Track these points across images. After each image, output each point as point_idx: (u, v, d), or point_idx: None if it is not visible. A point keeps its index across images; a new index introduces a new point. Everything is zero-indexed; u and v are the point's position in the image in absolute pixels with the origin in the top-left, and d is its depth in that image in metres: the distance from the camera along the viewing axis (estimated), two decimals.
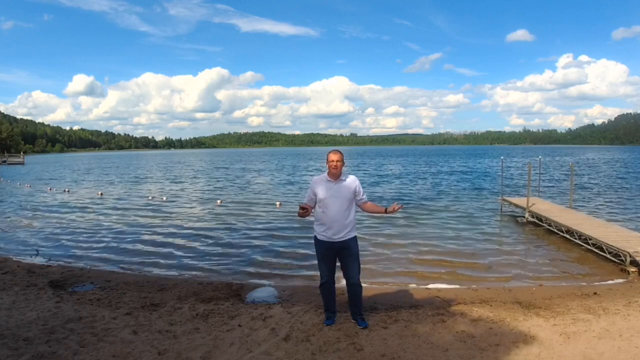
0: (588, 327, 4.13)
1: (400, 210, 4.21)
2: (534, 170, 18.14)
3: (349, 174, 4.21)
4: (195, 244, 9.22)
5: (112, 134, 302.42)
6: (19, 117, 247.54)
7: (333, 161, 4.00)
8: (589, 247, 7.99)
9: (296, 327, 4.17)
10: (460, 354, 3.57)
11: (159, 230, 10.88)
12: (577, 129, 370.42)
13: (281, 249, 8.63)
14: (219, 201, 16.27)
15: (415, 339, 3.88)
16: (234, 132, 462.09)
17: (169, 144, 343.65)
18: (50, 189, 22.08)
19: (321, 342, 3.80)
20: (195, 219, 12.66)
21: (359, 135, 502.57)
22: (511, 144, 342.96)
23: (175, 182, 27.03)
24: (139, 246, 9.08)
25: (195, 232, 10.62)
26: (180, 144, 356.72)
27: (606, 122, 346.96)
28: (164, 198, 17.58)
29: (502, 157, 19.11)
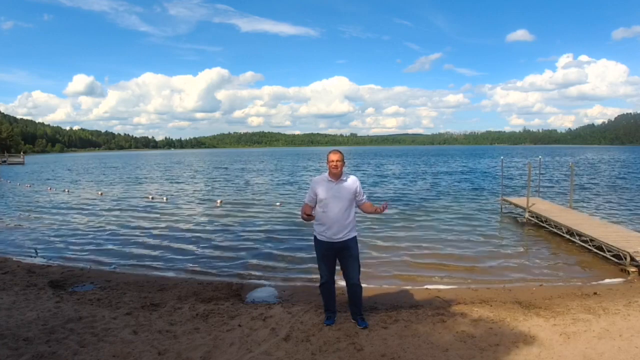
0: (588, 327, 4.13)
1: (386, 209, 4.20)
2: (534, 170, 18.14)
3: (350, 174, 4.21)
4: (196, 244, 9.22)
5: (112, 134, 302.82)
6: (19, 117, 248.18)
7: (333, 161, 4.00)
8: (589, 247, 7.99)
9: (296, 327, 4.17)
10: (460, 354, 3.57)
11: (159, 230, 10.88)
12: (577, 129, 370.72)
13: (281, 249, 8.63)
14: (219, 201, 16.27)
15: (415, 339, 3.88)
16: (234, 132, 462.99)
17: (169, 144, 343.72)
18: (50, 189, 22.08)
19: (321, 342, 3.80)
20: (195, 219, 12.66)
21: (359, 135, 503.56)
22: (511, 144, 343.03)
23: (175, 183, 27.02)
24: (139, 246, 9.08)
25: (195, 232, 10.62)
26: (180, 144, 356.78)
27: (606, 122, 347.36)
28: (164, 198, 17.58)
29: (502, 157, 19.11)
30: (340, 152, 4.07)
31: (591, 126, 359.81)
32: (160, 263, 7.75)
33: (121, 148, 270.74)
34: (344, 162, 4.09)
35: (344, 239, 4.04)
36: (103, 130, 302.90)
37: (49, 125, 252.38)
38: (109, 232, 10.68)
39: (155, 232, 10.63)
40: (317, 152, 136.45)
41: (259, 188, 22.46)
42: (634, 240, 7.49)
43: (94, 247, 9.02)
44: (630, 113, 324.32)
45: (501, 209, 13.25)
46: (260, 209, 14.32)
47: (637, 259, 6.57)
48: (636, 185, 21.26)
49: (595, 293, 5.59)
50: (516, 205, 12.45)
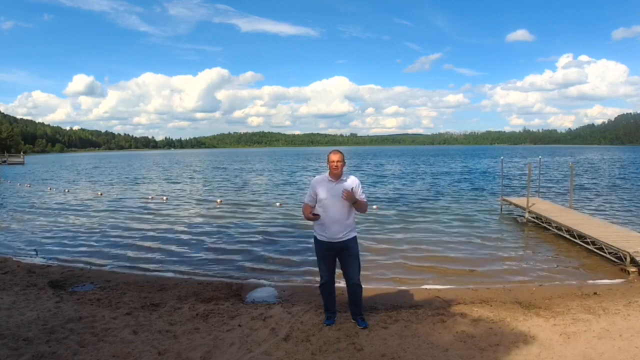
0: (588, 327, 4.13)
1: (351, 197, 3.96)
2: (534, 170, 18.14)
3: (350, 174, 4.21)
4: (195, 244, 9.22)
5: (112, 134, 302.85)
6: (19, 117, 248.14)
7: (334, 161, 4.00)
8: (589, 247, 7.99)
9: (296, 327, 4.17)
10: (460, 354, 3.57)
11: (159, 230, 10.88)
12: (577, 129, 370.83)
13: (281, 249, 8.63)
14: (218, 201, 16.27)
15: (415, 339, 3.88)
16: (234, 132, 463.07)
17: (169, 144, 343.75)
18: (50, 189, 22.08)
19: (321, 342, 3.80)
20: (195, 219, 12.66)
21: (359, 135, 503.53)
22: (511, 144, 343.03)
23: (175, 182, 27.03)
24: (139, 246, 9.08)
25: (195, 232, 10.62)
26: (180, 144, 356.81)
27: (606, 122, 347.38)
28: (164, 198, 17.58)
29: (502, 157, 19.11)
30: (340, 153, 4.07)
31: (591, 126, 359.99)
32: (160, 263, 7.75)
33: (121, 148, 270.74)
34: (344, 162, 4.09)
35: (343, 239, 4.04)
36: (103, 130, 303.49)
37: (49, 125, 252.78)
38: (109, 232, 10.68)
39: (155, 232, 10.63)
40: (317, 152, 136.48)
41: (259, 188, 22.46)
42: (634, 240, 7.49)
43: (94, 247, 9.02)
44: (630, 113, 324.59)
45: (501, 209, 13.26)
46: (259, 209, 14.32)
47: (637, 259, 6.57)
48: (636, 186, 21.26)
49: (595, 293, 5.59)
50: (516, 206, 12.45)
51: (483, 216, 12.48)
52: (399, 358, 3.51)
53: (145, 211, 14.21)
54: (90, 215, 13.54)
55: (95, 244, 9.32)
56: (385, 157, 77.32)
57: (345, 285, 4.28)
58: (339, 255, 4.13)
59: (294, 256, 8.08)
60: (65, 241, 9.66)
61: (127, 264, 7.68)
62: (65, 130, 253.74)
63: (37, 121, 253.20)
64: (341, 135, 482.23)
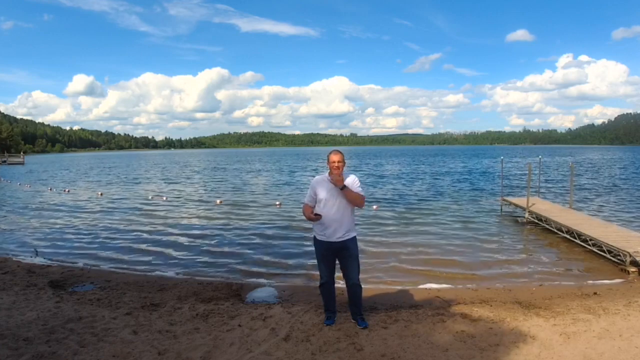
0: (588, 327, 4.13)
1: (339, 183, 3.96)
2: (534, 170, 18.14)
3: (349, 173, 4.20)
4: (195, 244, 9.22)
5: (112, 134, 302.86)
6: (19, 117, 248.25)
7: (335, 162, 3.99)
8: (589, 247, 7.99)
9: (296, 327, 4.17)
10: (460, 354, 3.57)
11: (159, 230, 10.88)
12: (577, 129, 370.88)
13: (281, 249, 8.63)
14: (218, 201, 16.27)
15: (415, 339, 3.88)
16: (234, 132, 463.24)
17: (169, 144, 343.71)
18: (50, 189, 22.07)
19: (321, 342, 3.80)
20: (195, 219, 12.66)
21: (359, 135, 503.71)
22: (511, 144, 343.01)
23: (175, 183, 27.02)
24: (139, 246, 9.07)
25: (195, 232, 10.62)
26: (180, 144, 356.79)
27: (606, 122, 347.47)
28: (164, 198, 17.58)
29: (502, 157, 19.11)
30: (341, 153, 4.07)
31: (591, 126, 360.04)
32: (160, 263, 7.75)
33: (121, 148, 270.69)
34: (344, 163, 4.09)
35: (343, 239, 4.04)
36: (103, 130, 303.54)
37: (49, 125, 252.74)
38: (109, 232, 10.68)
39: (155, 232, 10.63)
40: (317, 152, 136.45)
41: (259, 188, 22.46)
42: (634, 240, 7.49)
43: (94, 247, 9.02)
44: (630, 113, 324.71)
45: (501, 209, 13.25)
46: (259, 209, 14.32)
47: (637, 259, 6.57)
48: (636, 186, 21.26)
49: (595, 293, 5.59)
50: (516, 206, 12.45)
51: (483, 216, 12.48)
52: (399, 358, 3.51)
53: (145, 211, 14.20)
54: (90, 215, 13.54)
55: (96, 244, 9.32)
56: (385, 157, 77.30)
57: (345, 285, 4.28)
58: (338, 255, 4.12)
59: (294, 256, 8.08)
60: (66, 241, 9.66)
61: (127, 264, 7.67)
62: (65, 130, 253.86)
63: (37, 121, 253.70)
64: (341, 135, 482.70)
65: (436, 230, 10.36)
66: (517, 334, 3.95)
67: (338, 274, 4.29)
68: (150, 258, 8.10)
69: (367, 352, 3.60)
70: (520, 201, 12.43)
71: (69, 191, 21.07)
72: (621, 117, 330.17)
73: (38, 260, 7.86)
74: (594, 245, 7.85)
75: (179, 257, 8.17)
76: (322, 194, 4.03)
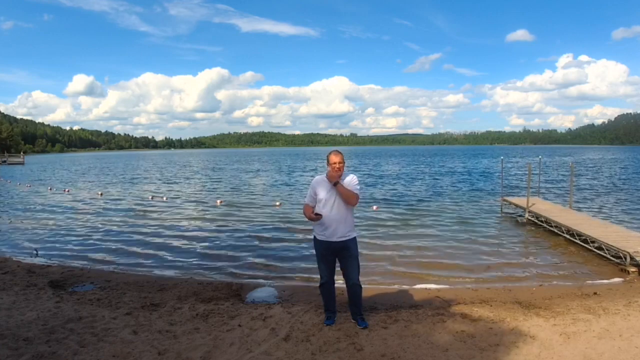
0: (588, 327, 4.13)
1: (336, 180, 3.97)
2: (534, 170, 18.13)
3: (348, 172, 4.20)
4: (195, 244, 9.22)
5: (112, 134, 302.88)
6: (19, 117, 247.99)
7: (335, 163, 3.99)
8: (588, 247, 7.99)
9: (296, 327, 4.17)
10: (460, 354, 3.57)
11: (158, 230, 10.87)
12: (577, 129, 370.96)
13: (281, 249, 8.63)
14: (218, 201, 16.26)
15: (415, 339, 3.88)
16: (234, 132, 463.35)
17: (169, 144, 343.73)
18: (50, 189, 22.07)
19: (321, 342, 3.80)
20: (195, 219, 12.66)
21: (359, 135, 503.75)
22: (511, 144, 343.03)
23: (175, 183, 27.02)
24: (139, 246, 9.08)
25: (195, 232, 10.62)
26: (180, 144, 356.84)
27: (606, 122, 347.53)
28: (164, 198, 17.58)
29: (502, 157, 19.10)
30: (341, 154, 4.07)
31: (591, 126, 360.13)
32: (160, 263, 7.75)
33: (121, 148, 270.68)
34: (344, 163, 4.09)
35: (343, 239, 4.04)
36: (103, 130, 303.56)
37: (49, 125, 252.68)
38: (109, 232, 10.68)
39: (155, 232, 10.63)
40: (317, 152, 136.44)
41: (258, 188, 22.46)
42: (634, 240, 7.48)
43: (94, 247, 9.02)
44: (630, 113, 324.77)
45: (501, 209, 13.25)
46: (259, 209, 14.32)
47: (637, 259, 6.57)
48: (636, 186, 21.25)
49: (595, 293, 5.59)
50: (516, 206, 12.44)
51: (483, 216, 12.48)
52: (399, 358, 3.51)
53: (145, 211, 14.20)
54: (90, 215, 13.53)
55: (96, 244, 9.32)
56: (385, 157, 77.30)
57: (345, 285, 4.28)
58: (338, 255, 4.13)
59: (294, 256, 8.08)
60: (65, 241, 9.66)
61: (127, 264, 7.67)
62: (65, 130, 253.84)
63: (37, 121, 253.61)
64: (341, 135, 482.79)
65: (436, 231, 10.36)
66: (517, 334, 3.95)
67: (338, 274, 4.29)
68: (150, 258, 8.09)
69: (367, 352, 3.60)
70: (521, 201, 12.42)
71: (69, 191, 21.06)
72: (621, 117, 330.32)
73: (38, 260, 7.86)
74: (594, 245, 7.85)
75: (179, 257, 8.17)
76: (322, 194, 4.04)
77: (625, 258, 6.79)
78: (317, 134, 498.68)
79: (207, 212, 13.88)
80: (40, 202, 16.91)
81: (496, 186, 20.51)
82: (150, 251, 8.65)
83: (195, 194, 20.02)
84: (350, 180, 4.07)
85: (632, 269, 6.56)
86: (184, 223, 11.89)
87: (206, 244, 9.28)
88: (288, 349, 3.68)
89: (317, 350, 3.65)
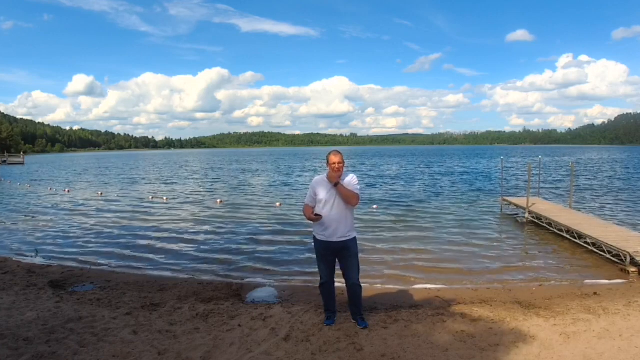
0: (588, 327, 4.13)
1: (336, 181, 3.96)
2: (534, 170, 18.14)
3: (348, 172, 4.20)
4: (196, 244, 9.22)
5: (112, 134, 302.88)
6: (19, 117, 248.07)
7: (335, 163, 3.99)
8: (589, 247, 7.99)
9: (296, 327, 4.17)
10: (460, 354, 3.57)
11: (159, 230, 10.87)
12: (577, 129, 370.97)
13: (281, 249, 8.63)
14: (218, 201, 16.27)
15: (415, 339, 3.88)
16: (234, 132, 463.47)
17: (169, 144, 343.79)
18: (50, 189, 22.08)
19: (321, 342, 3.80)
20: (195, 219, 12.66)
21: (359, 135, 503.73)
22: (511, 144, 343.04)
23: (175, 183, 27.02)
24: (139, 246, 9.07)
25: (195, 232, 10.62)
26: (180, 144, 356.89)
27: (606, 122, 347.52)
28: (164, 198, 17.58)
29: (502, 157, 19.10)
30: (340, 154, 4.07)
31: (591, 126, 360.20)
32: (160, 263, 7.75)
33: (121, 148, 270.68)
34: (344, 163, 4.09)
35: (343, 239, 4.04)
36: (103, 130, 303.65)
37: (49, 125, 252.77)
38: (109, 232, 10.68)
39: (155, 232, 10.63)
40: (317, 152, 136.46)
41: (258, 188, 22.46)
42: (634, 240, 7.49)
43: (94, 247, 9.02)
44: (630, 113, 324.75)
45: (501, 209, 13.25)
46: (259, 209, 14.32)
47: (637, 259, 6.57)
48: (636, 186, 21.25)
49: (595, 293, 5.59)
50: (516, 206, 12.45)
51: (483, 216, 12.47)
52: (399, 358, 3.51)
53: (145, 211, 14.20)
54: (90, 215, 13.54)
55: (95, 244, 9.32)
56: (385, 157, 77.31)
57: (345, 285, 4.28)
58: (338, 255, 4.13)
59: (294, 256, 8.08)
60: (66, 241, 9.66)
61: (127, 264, 7.67)
62: (65, 130, 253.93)
63: (37, 121, 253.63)
64: (341, 135, 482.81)
65: (436, 231, 10.35)
66: (517, 334, 3.95)
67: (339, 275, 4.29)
68: (150, 258, 8.09)
69: (367, 352, 3.60)
70: (520, 201, 12.43)
71: (69, 191, 21.07)
72: (621, 117, 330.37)
73: (38, 260, 7.86)
74: (594, 245, 7.85)
75: (179, 257, 8.17)
76: (322, 194, 4.04)
77: (625, 258, 6.79)
78: (317, 134, 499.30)
79: (207, 212, 13.88)
80: (40, 202, 16.91)
81: (496, 186, 20.51)
82: (151, 251, 8.64)
83: (195, 194, 20.02)
84: (350, 180, 4.07)
85: (632, 269, 6.56)
86: (184, 223, 11.89)
87: (206, 244, 9.28)
88: (288, 349, 3.68)
89: (317, 350, 3.65)
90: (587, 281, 6.41)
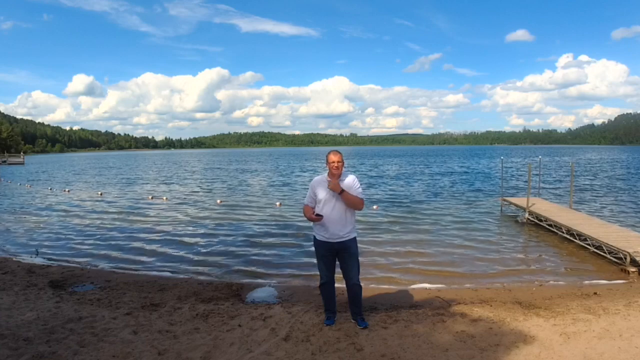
0: (588, 327, 4.13)
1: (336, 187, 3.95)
2: (534, 170, 18.14)
3: (349, 172, 4.20)
4: (195, 244, 9.22)
5: (112, 134, 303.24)
6: (19, 117, 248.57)
7: (334, 162, 3.99)
8: (589, 247, 7.99)
9: (296, 327, 4.17)
10: (460, 354, 3.57)
11: (159, 230, 10.87)
12: (577, 129, 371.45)
13: (281, 249, 8.63)
14: (218, 201, 16.27)
15: (415, 339, 3.88)
16: (234, 132, 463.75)
17: (168, 144, 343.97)
18: (50, 189, 22.07)
19: (321, 342, 3.80)
20: (195, 219, 12.65)
21: (358, 135, 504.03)
22: (511, 144, 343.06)
23: (175, 183, 27.01)
24: (139, 246, 9.07)
25: (195, 232, 10.62)
26: (180, 144, 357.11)
27: (606, 122, 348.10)
28: (164, 198, 17.58)
29: (501, 157, 19.11)
30: (340, 153, 4.07)
31: (591, 126, 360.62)
32: (160, 263, 7.75)
33: (121, 148, 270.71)
34: (344, 163, 4.09)
35: (343, 240, 4.04)
36: (103, 130, 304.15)
37: (49, 125, 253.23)
38: (109, 232, 10.68)
39: (155, 232, 10.63)
40: (317, 152, 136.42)
41: (258, 188, 22.46)
42: (634, 240, 7.49)
43: (94, 247, 9.01)
44: (630, 113, 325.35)
45: (501, 209, 13.25)
46: (259, 209, 14.31)
47: (637, 259, 6.57)
48: (636, 186, 21.24)
49: (595, 293, 5.59)
50: (516, 206, 12.45)
51: (483, 216, 12.47)
52: (399, 358, 3.51)
53: (145, 211, 14.20)
54: (90, 215, 13.53)
55: (96, 244, 9.32)
56: (384, 157, 77.29)
57: (345, 285, 4.28)
58: (338, 255, 4.12)
59: (294, 256, 8.08)
60: (65, 241, 9.65)
61: (127, 264, 7.67)
62: (65, 130, 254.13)
63: (37, 121, 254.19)
64: (341, 135, 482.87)
65: (436, 231, 10.36)
66: (517, 334, 3.95)
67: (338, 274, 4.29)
68: (150, 258, 8.09)
69: (367, 352, 3.60)
70: (520, 201, 12.43)
71: (69, 191, 21.07)
72: (621, 117, 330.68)
73: (38, 260, 7.86)
74: (594, 245, 7.85)
75: (179, 257, 8.17)
76: (321, 194, 4.03)
77: (625, 258, 6.79)
78: (317, 134, 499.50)
79: (207, 212, 13.88)
80: (40, 202, 16.91)
81: (496, 186, 20.51)
82: (151, 251, 8.64)
83: (195, 194, 20.02)
84: (352, 183, 4.06)
85: (632, 269, 6.56)
86: (184, 223, 11.89)
87: (206, 243, 9.28)
88: (288, 349, 3.68)
89: (317, 350, 3.65)
90: (587, 281, 6.41)
